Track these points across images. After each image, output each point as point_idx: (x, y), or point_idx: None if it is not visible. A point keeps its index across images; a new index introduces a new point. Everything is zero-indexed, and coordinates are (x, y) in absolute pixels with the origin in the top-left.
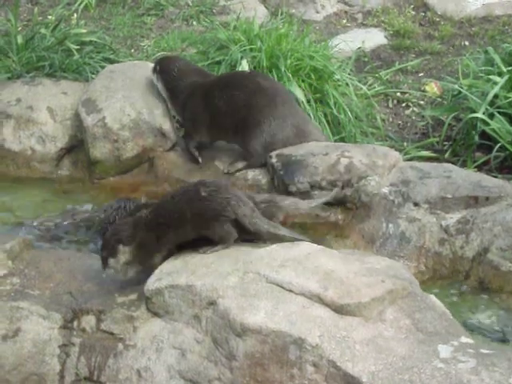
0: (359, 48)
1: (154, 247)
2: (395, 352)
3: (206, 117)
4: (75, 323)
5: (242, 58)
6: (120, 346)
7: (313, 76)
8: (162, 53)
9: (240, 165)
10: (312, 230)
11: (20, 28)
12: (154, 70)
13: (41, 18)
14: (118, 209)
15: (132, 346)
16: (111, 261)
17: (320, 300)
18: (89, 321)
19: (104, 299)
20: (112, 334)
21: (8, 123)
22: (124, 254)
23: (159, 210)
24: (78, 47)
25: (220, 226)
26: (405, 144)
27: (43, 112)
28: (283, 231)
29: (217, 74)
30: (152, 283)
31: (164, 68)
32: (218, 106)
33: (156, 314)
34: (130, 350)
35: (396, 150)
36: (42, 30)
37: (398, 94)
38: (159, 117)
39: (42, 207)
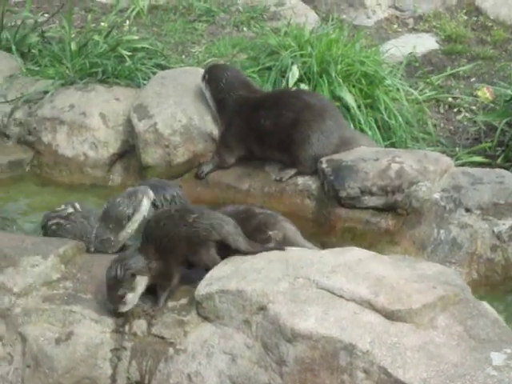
0: (410, 53)
1: (169, 270)
2: (447, 359)
3: (250, 135)
4: (127, 327)
5: (292, 63)
6: (171, 350)
7: (363, 81)
8: (213, 59)
9: (291, 172)
10: (362, 235)
11: (74, 35)
12: (203, 78)
13: (94, 25)
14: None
15: (183, 351)
16: (129, 296)
17: (371, 306)
18: (140, 325)
19: (155, 303)
20: (163, 338)
21: (62, 129)
22: (141, 284)
23: (148, 236)
24: (130, 53)
25: (206, 252)
26: (456, 149)
27: (96, 118)
28: (259, 248)
29: (264, 90)
30: (202, 288)
31: (213, 77)
32: (265, 125)
33: (206, 319)
34: (181, 354)
35: (447, 155)
36: (95, 37)
37: (450, 99)
38: (210, 122)
39: None
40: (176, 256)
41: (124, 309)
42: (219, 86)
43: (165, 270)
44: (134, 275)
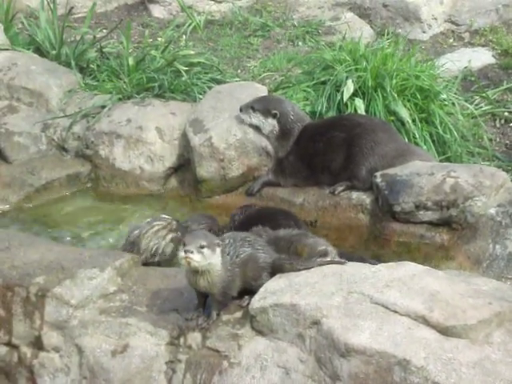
0: (466, 67)
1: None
2: (503, 375)
3: (305, 161)
4: (181, 340)
5: (347, 77)
6: (225, 363)
7: (418, 96)
8: (268, 73)
9: (345, 185)
10: (417, 250)
11: (131, 50)
12: (268, 113)
13: (151, 40)
14: None
15: (237, 364)
16: None
17: (425, 321)
18: (195, 338)
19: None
20: (217, 351)
21: (119, 143)
22: None
23: None
24: (186, 68)
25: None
26: None
27: (152, 132)
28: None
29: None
30: (257, 301)
31: (284, 111)
32: (319, 149)
33: (260, 333)
34: (235, 367)
35: (503, 170)
36: (152, 52)
37: (506, 113)
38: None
39: None
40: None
41: None
42: (289, 119)
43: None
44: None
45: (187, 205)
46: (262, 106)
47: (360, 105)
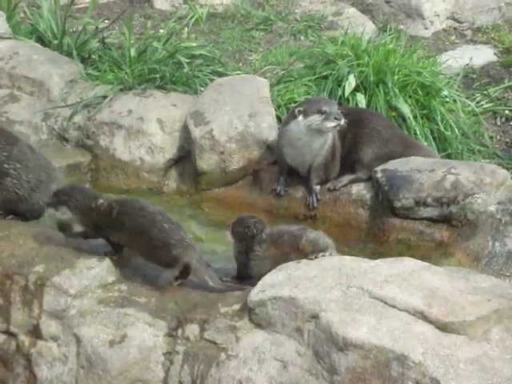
0: (467, 64)
1: None
2: (500, 372)
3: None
4: (179, 331)
5: (349, 72)
6: (222, 355)
7: (420, 92)
8: (270, 67)
9: (345, 180)
10: (416, 246)
11: (133, 41)
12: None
13: (153, 32)
14: None
15: (234, 356)
16: None
17: (424, 317)
18: (192, 329)
19: (208, 309)
20: (215, 343)
21: (119, 133)
22: None
23: None
24: (188, 60)
25: None
26: None
27: (153, 123)
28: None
29: None
30: (255, 294)
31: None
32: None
33: (258, 325)
34: (232, 360)
35: (504, 168)
36: (154, 44)
37: (507, 111)
38: (266, 130)
39: None
40: None
41: None
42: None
43: None
44: None
45: (186, 198)
46: (311, 107)
47: (361, 100)
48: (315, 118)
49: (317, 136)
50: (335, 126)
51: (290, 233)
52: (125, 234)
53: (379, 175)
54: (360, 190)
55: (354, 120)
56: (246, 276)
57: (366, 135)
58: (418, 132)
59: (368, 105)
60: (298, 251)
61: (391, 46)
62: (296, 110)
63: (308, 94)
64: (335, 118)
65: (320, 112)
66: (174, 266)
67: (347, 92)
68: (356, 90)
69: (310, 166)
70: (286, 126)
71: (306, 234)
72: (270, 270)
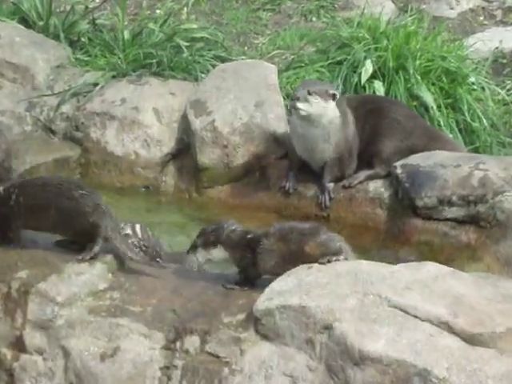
0: (497, 48)
1: None
2: None
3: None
4: (178, 344)
5: (365, 58)
6: (226, 370)
7: (444, 79)
8: (278, 51)
9: (362, 176)
10: (440, 250)
11: (127, 23)
12: (334, 96)
13: (149, 12)
14: None
15: (238, 371)
16: None
17: (449, 328)
18: (193, 342)
19: (209, 319)
20: (217, 356)
21: (111, 125)
22: None
23: None
24: (187, 44)
25: None
26: None
27: (149, 113)
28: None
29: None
30: (262, 302)
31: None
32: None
33: (265, 337)
34: (237, 375)
35: None
36: (150, 25)
37: None
38: (273, 121)
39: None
40: None
41: None
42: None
43: None
44: None
45: (185, 197)
46: (319, 88)
47: (379, 88)
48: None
49: (307, 124)
50: (291, 108)
51: (299, 231)
52: (33, 217)
53: (399, 171)
54: (378, 187)
55: (373, 109)
56: (254, 277)
57: (385, 126)
58: (443, 123)
59: (387, 93)
60: (305, 252)
61: (412, 27)
62: None
63: (320, 81)
64: (291, 99)
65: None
66: (95, 234)
67: (364, 79)
68: (373, 76)
69: (323, 161)
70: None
71: (317, 235)
72: (277, 266)
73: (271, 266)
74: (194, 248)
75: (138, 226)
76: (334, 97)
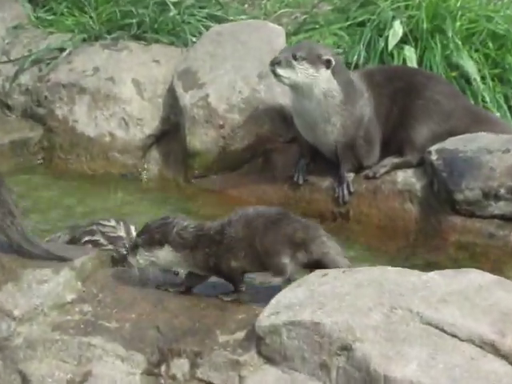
0: None
1: None
2: None
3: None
4: (163, 368)
5: (393, 18)
6: None
7: (490, 44)
8: (286, 10)
9: (389, 165)
10: (484, 254)
11: None
12: (328, 63)
13: None
14: None
15: None
16: None
17: (495, 350)
18: (181, 365)
19: (201, 337)
20: None
21: (81, 100)
22: None
23: None
24: (175, 0)
25: None
26: None
27: (127, 86)
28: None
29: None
30: (266, 318)
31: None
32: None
33: (270, 360)
34: None
35: None
36: None
37: None
38: (280, 95)
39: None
40: None
41: None
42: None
43: None
44: None
45: (172, 187)
46: (308, 52)
47: (411, 55)
48: None
49: (297, 96)
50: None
51: (265, 217)
52: None
53: (434, 157)
54: (408, 177)
55: (403, 87)
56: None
57: (419, 108)
58: (488, 98)
59: (419, 62)
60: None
61: None
62: None
63: (338, 46)
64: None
65: None
66: None
67: (391, 44)
68: (403, 41)
69: (329, 145)
70: None
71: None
72: (246, 255)
73: (242, 258)
74: (134, 248)
75: (132, 228)
76: (328, 64)
